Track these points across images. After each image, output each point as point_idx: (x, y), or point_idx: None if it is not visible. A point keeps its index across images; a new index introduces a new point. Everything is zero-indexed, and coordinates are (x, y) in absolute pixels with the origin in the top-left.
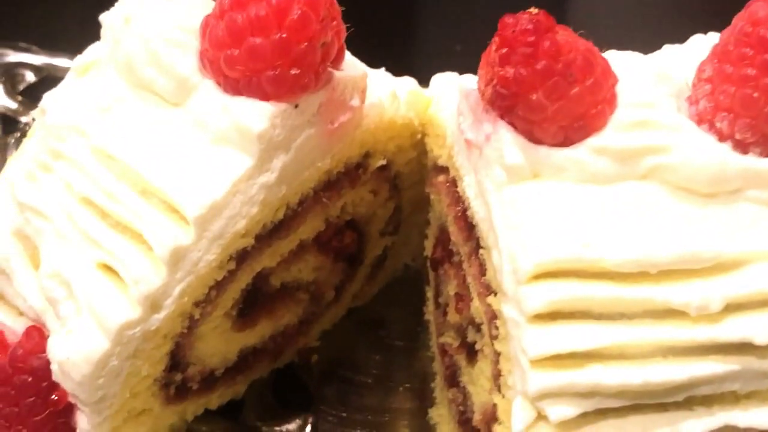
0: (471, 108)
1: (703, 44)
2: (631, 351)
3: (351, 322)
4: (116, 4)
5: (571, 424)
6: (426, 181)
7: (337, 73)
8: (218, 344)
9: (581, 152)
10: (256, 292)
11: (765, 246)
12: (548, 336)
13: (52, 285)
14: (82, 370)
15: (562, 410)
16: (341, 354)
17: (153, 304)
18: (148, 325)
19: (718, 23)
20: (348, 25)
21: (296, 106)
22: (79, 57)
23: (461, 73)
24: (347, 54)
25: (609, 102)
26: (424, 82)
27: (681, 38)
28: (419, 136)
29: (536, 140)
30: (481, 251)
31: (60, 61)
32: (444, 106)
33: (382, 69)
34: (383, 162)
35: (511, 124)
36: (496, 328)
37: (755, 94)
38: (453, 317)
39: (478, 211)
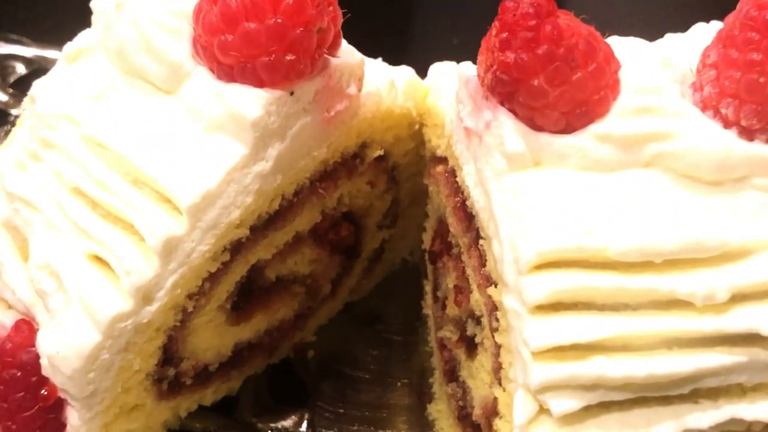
0: (470, 95)
1: (706, 32)
2: (635, 342)
3: (348, 316)
4: None
5: (573, 418)
6: (424, 173)
7: (333, 60)
8: (212, 338)
9: (584, 139)
10: (251, 284)
11: None
12: (550, 327)
13: (41, 277)
14: (73, 364)
15: (564, 403)
16: (338, 349)
17: (145, 296)
18: (140, 318)
19: (717, 14)
20: (344, 11)
21: (292, 93)
22: (69, 44)
23: None
24: (344, 42)
25: (612, 88)
26: (421, 75)
27: (676, 29)
28: (417, 126)
29: (537, 127)
30: (481, 242)
31: (51, 53)
32: (442, 95)
33: (379, 59)
34: (380, 152)
35: (512, 110)
36: (497, 320)
37: (761, 80)
38: (452, 310)
39: (478, 200)
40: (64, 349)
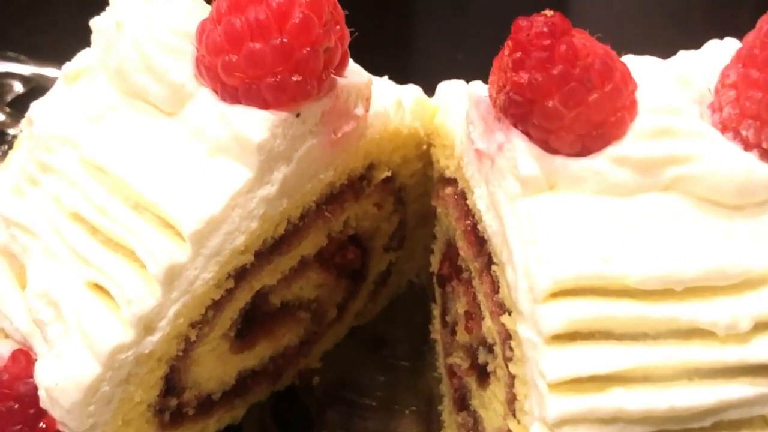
0: (481, 116)
1: (720, 50)
2: (655, 374)
3: (353, 341)
4: (108, 8)
5: None
6: (432, 194)
7: (340, 80)
8: (215, 367)
9: (600, 162)
10: (255, 311)
11: None
12: (567, 358)
13: (39, 306)
14: (72, 396)
15: None
16: (344, 375)
17: (147, 326)
18: (141, 348)
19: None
20: (351, 30)
21: (298, 115)
22: (68, 64)
23: None
24: (350, 61)
25: (629, 109)
26: (425, 91)
27: (682, 46)
28: (425, 146)
29: (552, 150)
30: (493, 267)
31: (49, 71)
32: (451, 114)
33: (385, 77)
34: (388, 174)
35: (525, 132)
36: (511, 349)
37: None
38: (462, 337)
39: (490, 224)
40: (63, 381)
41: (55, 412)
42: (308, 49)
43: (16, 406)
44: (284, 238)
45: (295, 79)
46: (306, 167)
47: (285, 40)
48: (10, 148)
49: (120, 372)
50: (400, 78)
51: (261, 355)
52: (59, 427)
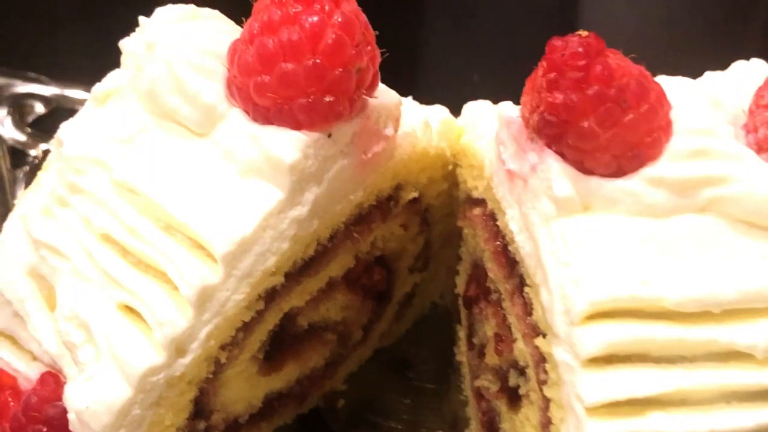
0: (513, 137)
1: (749, 70)
2: (693, 397)
3: (378, 363)
4: (137, 29)
5: None
6: (458, 214)
7: (371, 101)
8: (243, 389)
9: (636, 183)
10: (283, 333)
11: None
12: (605, 381)
13: (69, 328)
14: (103, 420)
15: None
16: (368, 398)
17: (178, 348)
18: (172, 371)
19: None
20: (382, 51)
21: (329, 136)
22: (98, 85)
23: None
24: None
25: (664, 129)
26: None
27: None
28: (450, 167)
29: (587, 170)
30: (526, 289)
31: (71, 92)
32: (478, 135)
33: (410, 98)
34: (415, 194)
35: (560, 153)
36: (545, 372)
37: None
38: (492, 359)
39: (523, 246)
40: (93, 404)
41: None
42: (341, 69)
43: (45, 429)
44: (313, 260)
45: (327, 99)
46: (336, 188)
47: (318, 60)
48: (32, 168)
49: (151, 395)
50: (417, 99)
51: (288, 377)
52: None
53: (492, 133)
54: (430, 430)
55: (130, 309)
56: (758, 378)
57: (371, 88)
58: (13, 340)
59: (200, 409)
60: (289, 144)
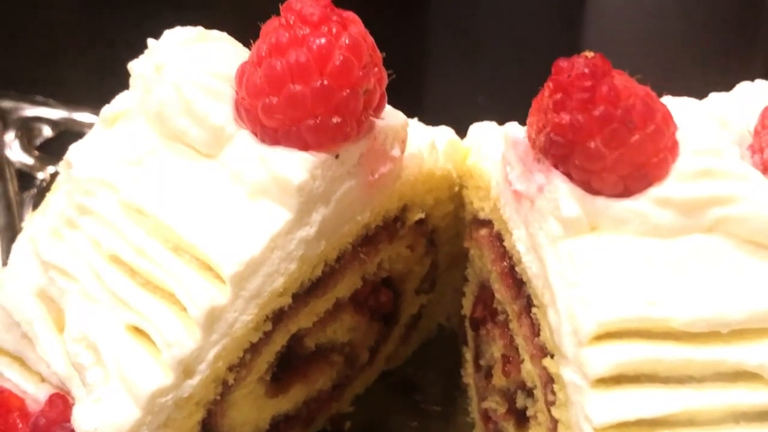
0: (520, 157)
1: (754, 91)
2: (701, 417)
3: (384, 385)
4: (146, 51)
5: None
6: (464, 236)
7: (378, 122)
8: (251, 411)
9: (643, 203)
10: (290, 354)
11: None
12: (613, 402)
13: (78, 349)
14: None
15: None
16: (375, 420)
17: (186, 369)
18: (180, 392)
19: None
20: (389, 72)
21: (337, 156)
22: (106, 107)
23: None
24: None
25: (671, 150)
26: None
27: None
28: (457, 188)
29: (594, 191)
30: (533, 310)
31: (78, 116)
32: (484, 156)
33: (415, 119)
34: (422, 215)
35: (566, 174)
36: (553, 393)
37: None
38: (499, 381)
39: (530, 266)
40: (102, 425)
41: None
42: (348, 91)
43: None
44: (321, 280)
45: (335, 120)
46: (344, 209)
47: (325, 82)
48: (39, 190)
49: (159, 416)
50: (424, 122)
51: (295, 399)
52: None
53: (498, 154)
54: None
55: (138, 330)
56: (766, 398)
57: (378, 109)
58: (21, 361)
59: (208, 430)
60: (296, 165)
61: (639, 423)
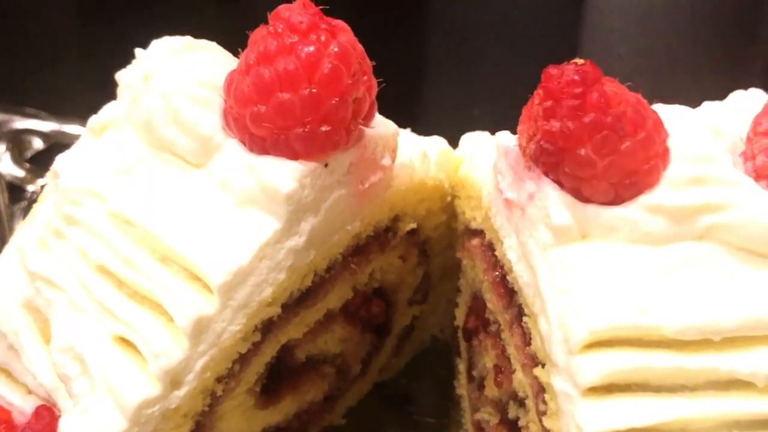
0: (510, 166)
1: (747, 100)
2: (693, 426)
3: (377, 397)
4: (134, 61)
5: None
6: (457, 246)
7: (368, 131)
8: (240, 423)
9: (634, 211)
10: (280, 366)
11: None
12: (605, 411)
13: (64, 360)
14: None
15: None
16: None
17: (173, 380)
18: (167, 403)
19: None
20: (379, 81)
21: (326, 165)
22: (94, 117)
23: None
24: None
25: (662, 157)
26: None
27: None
28: (449, 198)
29: (584, 198)
30: (524, 319)
31: (69, 128)
32: (476, 165)
33: (408, 129)
34: (413, 225)
35: (557, 181)
36: (545, 402)
37: None
38: (491, 391)
39: (521, 275)
40: None
41: None
42: (337, 99)
43: None
44: (311, 291)
45: (324, 129)
46: (333, 218)
47: (314, 90)
48: (30, 203)
49: (146, 427)
50: (418, 133)
51: (285, 411)
52: None
53: (490, 164)
54: None
55: (125, 341)
56: (759, 407)
57: (368, 117)
58: (7, 373)
59: None
60: (285, 174)
61: None
